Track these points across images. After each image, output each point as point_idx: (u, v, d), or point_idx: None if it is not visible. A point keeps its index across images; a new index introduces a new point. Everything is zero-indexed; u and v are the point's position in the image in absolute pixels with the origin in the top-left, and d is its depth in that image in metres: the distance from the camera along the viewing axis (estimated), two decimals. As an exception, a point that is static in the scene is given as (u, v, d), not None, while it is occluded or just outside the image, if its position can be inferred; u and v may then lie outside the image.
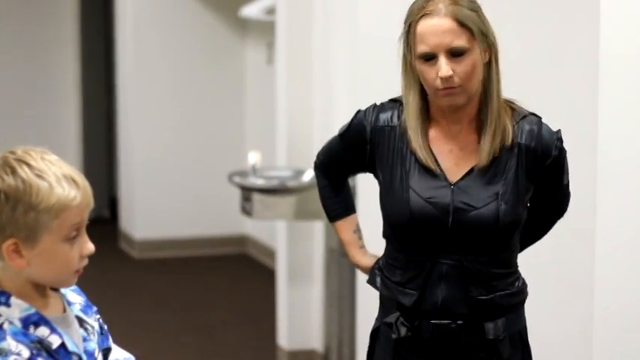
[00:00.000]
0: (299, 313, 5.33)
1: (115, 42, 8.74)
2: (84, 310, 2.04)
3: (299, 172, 5.11)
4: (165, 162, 8.04)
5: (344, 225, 2.74)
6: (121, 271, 7.70)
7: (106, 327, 2.11)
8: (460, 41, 2.36)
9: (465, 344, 2.49)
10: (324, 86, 5.11)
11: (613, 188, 2.79)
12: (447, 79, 2.36)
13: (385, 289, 2.55)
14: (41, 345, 1.87)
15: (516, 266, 2.55)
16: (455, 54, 2.36)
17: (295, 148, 5.22)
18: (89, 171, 8.52)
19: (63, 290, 2.02)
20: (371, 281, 2.62)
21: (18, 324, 1.87)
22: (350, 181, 2.79)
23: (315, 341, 5.34)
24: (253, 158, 5.26)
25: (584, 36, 3.18)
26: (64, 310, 1.99)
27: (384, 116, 2.52)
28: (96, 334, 2.04)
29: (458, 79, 2.37)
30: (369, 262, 2.67)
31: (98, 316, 2.09)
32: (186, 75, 8.00)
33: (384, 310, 2.58)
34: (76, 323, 1.99)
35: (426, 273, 2.46)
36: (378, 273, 2.59)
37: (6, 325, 1.86)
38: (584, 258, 3.14)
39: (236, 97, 8.14)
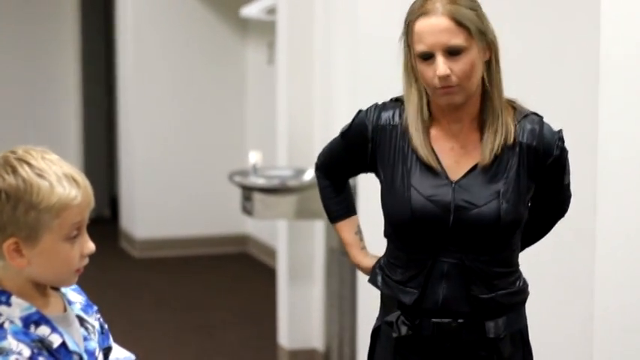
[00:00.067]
0: (300, 312, 5.34)
1: (115, 42, 8.74)
2: (84, 309, 2.04)
3: (300, 172, 5.12)
4: (165, 161, 8.04)
5: (345, 226, 2.74)
6: (122, 270, 7.71)
7: (106, 326, 2.11)
8: (457, 40, 2.36)
9: (465, 343, 2.49)
10: (325, 86, 5.12)
11: (613, 188, 2.79)
12: (444, 78, 2.37)
13: (386, 287, 2.56)
14: (42, 344, 1.87)
15: (517, 265, 2.55)
16: (452, 53, 2.36)
17: (296, 148, 5.22)
18: (89, 170, 8.52)
19: (63, 289, 2.02)
20: (372, 280, 2.62)
21: (19, 323, 1.88)
22: (350, 181, 2.79)
23: (316, 340, 5.34)
24: (254, 158, 5.26)
25: (584, 36, 3.19)
26: (65, 310, 1.99)
27: (386, 115, 2.53)
28: (96, 334, 2.04)
29: (455, 77, 2.37)
30: (370, 262, 2.67)
31: (98, 315, 2.10)
32: (186, 75, 8.00)
33: (385, 309, 2.58)
34: (76, 322, 1.99)
35: (427, 271, 2.47)
36: (379, 272, 2.59)
37: (7, 325, 1.87)
38: (585, 258, 3.14)
39: (237, 97, 8.14)
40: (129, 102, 8.16)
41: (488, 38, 2.41)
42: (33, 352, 1.85)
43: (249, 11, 6.87)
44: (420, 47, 2.39)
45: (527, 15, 3.52)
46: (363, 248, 2.72)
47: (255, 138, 7.98)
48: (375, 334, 2.61)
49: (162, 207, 8.07)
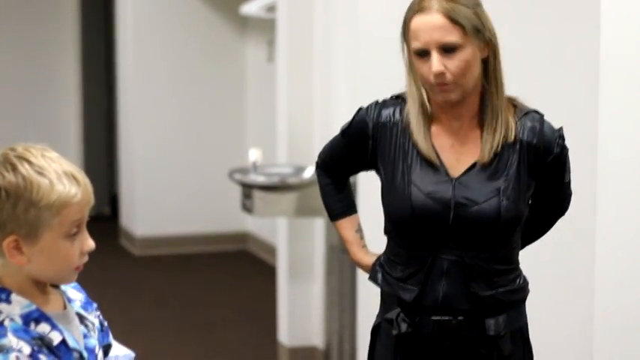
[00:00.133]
0: (300, 310, 5.34)
1: (115, 42, 8.74)
2: (84, 306, 2.04)
3: (300, 169, 5.12)
4: (165, 159, 8.05)
5: (346, 224, 2.74)
6: (122, 268, 7.71)
7: (106, 323, 2.11)
8: (451, 37, 2.37)
9: (465, 340, 2.49)
10: (325, 83, 5.12)
11: (613, 188, 2.79)
12: (438, 75, 2.37)
13: (386, 285, 2.56)
14: (42, 341, 1.87)
15: (518, 263, 2.55)
16: (447, 50, 2.37)
17: (296, 145, 5.22)
18: (90, 168, 8.54)
19: (63, 287, 2.02)
20: (372, 277, 2.62)
21: (19, 321, 1.88)
22: (351, 179, 2.79)
23: (316, 338, 5.34)
24: (254, 155, 5.26)
25: (584, 36, 3.18)
26: (65, 307, 1.99)
27: (386, 112, 2.53)
28: (96, 331, 2.04)
29: (450, 75, 2.38)
30: (370, 260, 2.67)
31: (98, 312, 2.10)
32: (186, 73, 8.01)
33: (385, 307, 2.58)
34: (76, 320, 2.00)
35: (427, 269, 2.47)
36: (380, 269, 2.59)
37: (7, 322, 1.87)
38: (585, 258, 3.14)
39: (236, 95, 8.15)
40: (129, 101, 8.17)
41: (486, 36, 2.41)
42: (33, 350, 1.85)
43: (249, 9, 6.87)
44: (415, 44, 2.40)
45: (527, 15, 3.52)
46: (364, 246, 2.73)
47: (255, 135, 7.99)
48: (375, 331, 2.62)
49: (162, 205, 8.08)
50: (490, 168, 2.45)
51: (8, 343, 1.84)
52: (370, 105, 2.58)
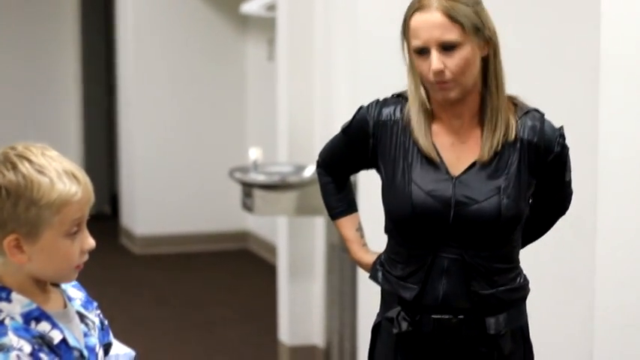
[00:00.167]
0: (300, 308, 5.34)
1: (115, 42, 8.74)
2: (84, 305, 2.05)
3: (300, 168, 5.12)
4: (165, 158, 8.05)
5: (346, 223, 2.74)
6: (122, 266, 7.72)
7: (106, 322, 2.12)
8: (450, 35, 2.37)
9: (466, 339, 2.49)
10: (325, 82, 5.12)
11: (613, 188, 2.79)
12: (438, 73, 2.38)
13: (387, 283, 2.56)
14: (42, 340, 1.87)
15: (518, 262, 2.56)
16: (446, 48, 2.38)
17: (296, 144, 5.22)
18: (90, 167, 8.54)
19: (63, 286, 2.02)
20: (373, 276, 2.63)
21: (19, 319, 1.88)
22: (351, 178, 2.80)
23: (317, 337, 5.34)
24: (254, 154, 5.27)
25: (584, 36, 3.18)
26: (65, 306, 1.99)
27: (387, 110, 2.54)
28: (97, 330, 2.04)
29: (449, 73, 2.38)
30: (370, 259, 2.67)
31: (99, 311, 2.10)
32: (186, 72, 8.01)
33: (386, 305, 2.59)
34: (77, 318, 2.00)
35: (428, 267, 2.47)
36: (380, 268, 2.59)
37: (7, 321, 1.87)
38: (585, 257, 3.14)
39: (237, 94, 8.15)
40: (129, 100, 8.17)
41: (486, 35, 2.42)
42: (34, 349, 1.85)
43: (249, 8, 6.88)
44: (415, 42, 2.41)
45: (527, 15, 3.52)
46: (364, 245, 2.73)
47: (256, 134, 7.99)
48: (376, 330, 2.62)
49: (162, 203, 8.08)
50: (490, 167, 2.45)
51: (9, 341, 1.84)
52: (371, 103, 2.58)
